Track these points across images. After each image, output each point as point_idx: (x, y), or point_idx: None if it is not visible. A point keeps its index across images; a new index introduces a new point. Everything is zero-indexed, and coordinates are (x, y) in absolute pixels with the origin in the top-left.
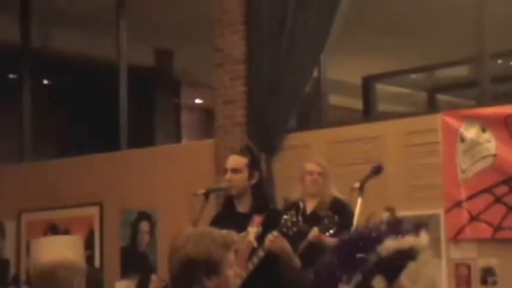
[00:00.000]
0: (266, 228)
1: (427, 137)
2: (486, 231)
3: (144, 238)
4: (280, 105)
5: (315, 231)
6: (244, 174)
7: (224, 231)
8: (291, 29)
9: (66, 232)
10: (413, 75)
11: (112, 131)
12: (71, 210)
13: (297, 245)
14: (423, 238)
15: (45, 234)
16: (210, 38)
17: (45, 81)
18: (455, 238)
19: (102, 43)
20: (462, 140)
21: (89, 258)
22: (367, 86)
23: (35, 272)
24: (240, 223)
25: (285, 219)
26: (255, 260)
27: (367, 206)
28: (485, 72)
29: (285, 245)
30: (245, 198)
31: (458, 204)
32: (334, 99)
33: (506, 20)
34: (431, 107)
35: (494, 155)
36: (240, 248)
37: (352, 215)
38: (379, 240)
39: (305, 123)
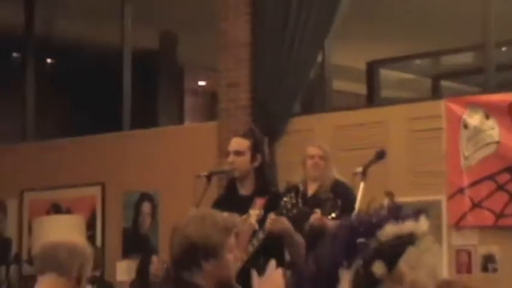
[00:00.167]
0: (268, 211)
1: (430, 123)
2: (488, 219)
3: (146, 220)
4: (284, 89)
5: (317, 214)
6: (247, 156)
7: (226, 215)
8: (296, 13)
9: (68, 212)
10: (417, 61)
11: (115, 114)
12: (73, 190)
13: (299, 226)
14: (423, 223)
15: (47, 213)
16: (215, 21)
17: (49, 60)
18: (457, 225)
19: (107, 26)
20: (466, 126)
21: (91, 238)
22: (371, 71)
23: (36, 251)
24: (242, 206)
25: (285, 201)
26: (255, 242)
27: (370, 191)
28: (490, 59)
29: (286, 224)
30: (247, 181)
31: (461, 190)
32: (338, 84)
33: None
34: (436, 93)
35: (498, 142)
36: (241, 230)
37: (354, 197)
38: (379, 225)
39: (309, 108)
